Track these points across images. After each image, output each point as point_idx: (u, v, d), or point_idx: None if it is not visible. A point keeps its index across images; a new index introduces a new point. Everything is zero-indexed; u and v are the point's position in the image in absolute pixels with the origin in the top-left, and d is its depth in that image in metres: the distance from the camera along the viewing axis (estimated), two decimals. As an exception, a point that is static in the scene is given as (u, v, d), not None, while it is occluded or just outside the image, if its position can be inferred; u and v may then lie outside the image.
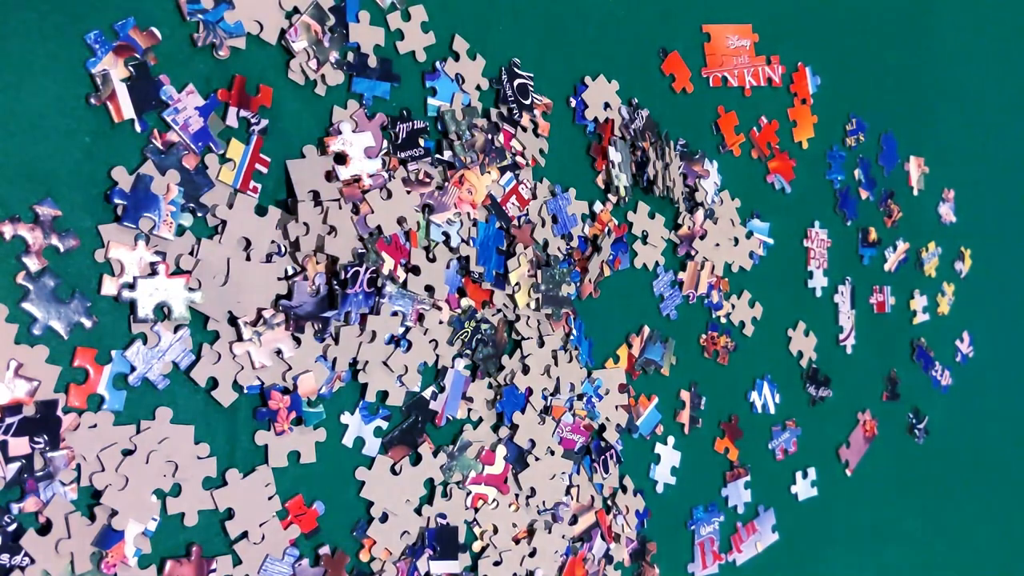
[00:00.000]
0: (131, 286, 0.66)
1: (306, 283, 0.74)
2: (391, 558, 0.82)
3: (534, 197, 0.93)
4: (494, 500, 0.90)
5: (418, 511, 0.84)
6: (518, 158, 0.91)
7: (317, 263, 0.75)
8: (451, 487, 0.86)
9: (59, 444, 0.65)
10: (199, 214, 0.71)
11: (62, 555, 0.65)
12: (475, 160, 0.87)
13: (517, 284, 0.91)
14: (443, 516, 0.86)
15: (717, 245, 1.13)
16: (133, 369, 0.68)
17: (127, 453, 0.68)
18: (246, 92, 0.74)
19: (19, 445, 0.63)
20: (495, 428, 0.90)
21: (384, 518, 0.82)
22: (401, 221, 0.81)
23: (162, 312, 0.67)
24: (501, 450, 0.89)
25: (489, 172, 0.88)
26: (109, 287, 0.66)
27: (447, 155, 0.86)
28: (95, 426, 0.66)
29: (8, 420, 0.63)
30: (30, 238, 0.63)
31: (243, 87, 0.74)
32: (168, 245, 0.69)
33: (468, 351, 0.87)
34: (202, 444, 0.72)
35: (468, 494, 0.87)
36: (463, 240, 0.86)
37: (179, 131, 0.70)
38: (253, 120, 0.74)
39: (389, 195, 0.81)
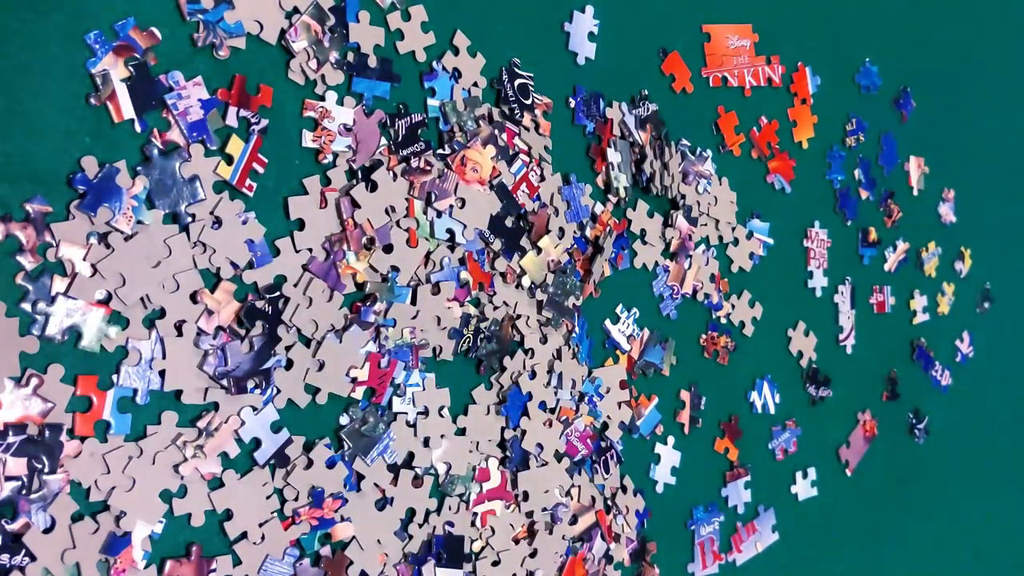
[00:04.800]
0: (51, 300, 0.64)
1: (239, 344, 0.72)
2: (390, 561, 0.82)
3: (543, 179, 0.93)
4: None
5: (404, 533, 0.83)
6: (522, 156, 0.91)
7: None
8: (457, 502, 0.86)
9: (57, 468, 0.64)
10: (182, 222, 0.70)
11: (67, 563, 0.65)
12: (475, 137, 0.87)
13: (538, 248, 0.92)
14: (451, 524, 0.86)
15: (713, 246, 1.13)
16: (135, 391, 0.68)
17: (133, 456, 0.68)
18: (246, 92, 0.74)
19: (18, 465, 0.63)
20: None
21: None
22: (390, 211, 0.81)
23: (75, 334, 0.66)
24: (492, 462, 0.89)
25: (489, 148, 0.88)
26: (60, 287, 0.65)
27: (447, 150, 0.86)
28: (95, 455, 0.66)
29: (11, 439, 0.62)
30: (23, 236, 0.63)
31: (243, 87, 0.74)
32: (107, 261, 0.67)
33: (472, 351, 0.87)
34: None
35: (475, 515, 0.88)
36: (472, 230, 0.86)
37: (177, 117, 0.70)
38: (253, 120, 0.74)
39: (374, 187, 0.80)
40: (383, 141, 0.82)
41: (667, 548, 1.07)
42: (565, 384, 0.95)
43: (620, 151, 1.01)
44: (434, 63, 0.86)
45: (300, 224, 0.76)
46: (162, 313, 0.69)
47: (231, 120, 0.73)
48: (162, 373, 0.69)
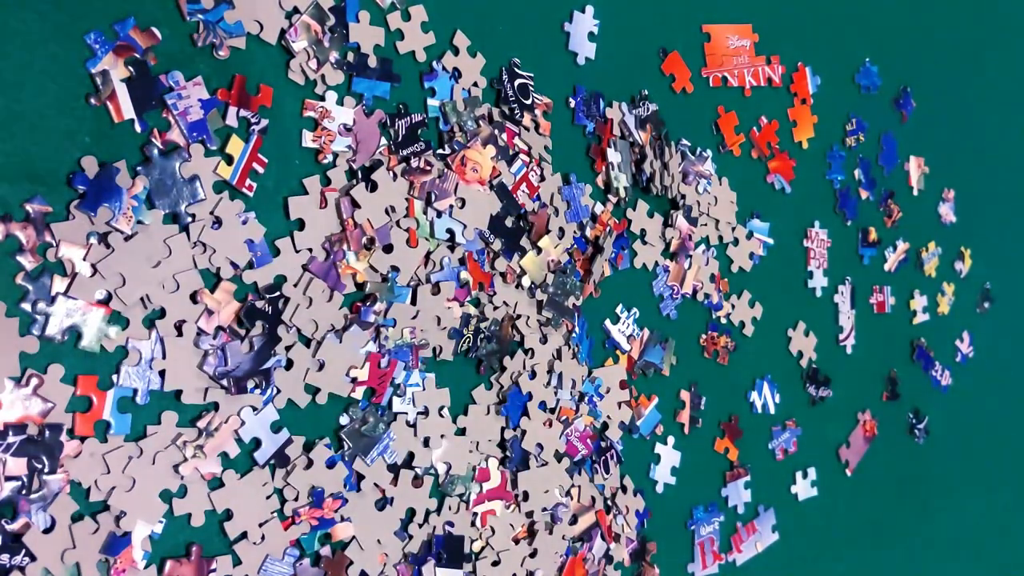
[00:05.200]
0: (51, 300, 0.64)
1: (239, 344, 0.72)
2: (390, 561, 0.82)
3: (543, 179, 0.93)
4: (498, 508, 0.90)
5: (404, 533, 0.83)
6: (522, 156, 0.91)
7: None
8: (458, 502, 0.86)
9: (57, 468, 0.64)
10: (182, 222, 0.70)
11: (67, 563, 0.65)
12: (475, 137, 0.87)
13: (539, 248, 0.92)
14: (451, 524, 0.86)
15: (713, 246, 1.13)
16: (135, 391, 0.68)
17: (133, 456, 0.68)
18: (246, 92, 0.74)
19: (18, 465, 0.63)
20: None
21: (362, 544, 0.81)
22: (390, 211, 0.81)
23: (75, 334, 0.66)
24: (492, 462, 0.89)
25: (489, 148, 0.88)
26: (60, 287, 0.65)
27: (447, 150, 0.86)
28: (95, 455, 0.66)
29: (11, 439, 0.62)
30: (23, 236, 0.63)
31: (243, 87, 0.74)
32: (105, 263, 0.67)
33: (472, 351, 0.87)
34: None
35: (475, 515, 0.88)
36: (472, 230, 0.86)
37: (177, 117, 0.70)
38: (253, 120, 0.74)
39: (374, 187, 0.80)
40: (383, 141, 0.82)
41: (667, 548, 1.07)
42: (565, 384, 0.95)
43: (620, 151, 1.01)
44: (434, 63, 0.86)
45: (300, 224, 0.76)
46: (162, 313, 0.69)
47: (231, 120, 0.73)
48: (162, 373, 0.69)
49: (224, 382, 0.72)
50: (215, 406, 0.72)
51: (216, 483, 0.72)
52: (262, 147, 0.75)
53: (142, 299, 0.68)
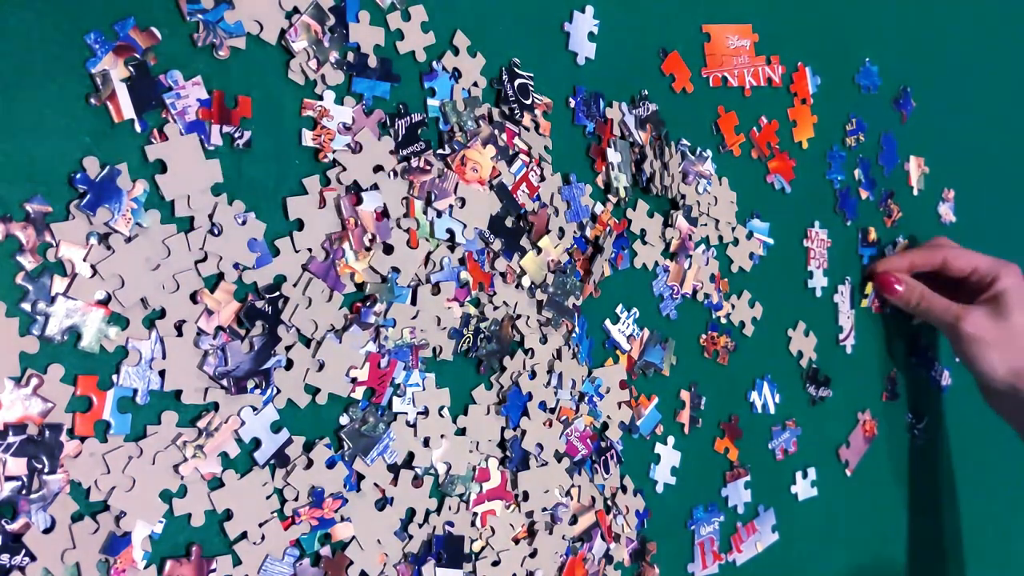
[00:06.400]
0: (51, 300, 0.64)
1: (239, 344, 0.72)
2: (389, 561, 0.82)
3: (543, 179, 0.93)
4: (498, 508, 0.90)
5: (404, 533, 0.83)
6: (522, 156, 0.91)
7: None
8: (458, 502, 0.86)
9: (57, 468, 0.64)
10: (182, 223, 0.70)
11: (67, 563, 0.65)
12: (475, 137, 0.87)
13: (538, 248, 0.92)
14: (451, 524, 0.86)
15: (713, 246, 1.13)
16: (135, 391, 0.68)
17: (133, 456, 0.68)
18: (226, 107, 0.73)
19: (18, 465, 0.63)
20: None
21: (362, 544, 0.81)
22: (386, 212, 0.81)
23: (75, 335, 0.65)
24: (492, 462, 0.89)
25: (488, 148, 0.88)
26: (60, 287, 0.65)
27: (447, 149, 0.86)
28: (95, 455, 0.66)
29: (11, 439, 0.62)
30: (23, 236, 0.63)
31: (222, 101, 0.73)
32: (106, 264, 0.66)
33: (472, 351, 0.87)
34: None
35: (475, 515, 0.88)
36: (472, 230, 0.86)
37: (176, 117, 0.70)
38: (236, 135, 0.73)
39: (374, 187, 0.80)
40: (380, 138, 0.82)
41: (667, 548, 1.07)
42: (565, 384, 0.95)
43: (620, 151, 1.01)
44: (434, 63, 0.86)
45: (299, 224, 0.76)
46: (162, 313, 0.69)
47: (216, 139, 0.72)
48: (162, 373, 0.69)
49: (224, 382, 0.72)
50: (215, 406, 0.72)
51: (216, 483, 0.72)
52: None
53: (142, 300, 0.68)
